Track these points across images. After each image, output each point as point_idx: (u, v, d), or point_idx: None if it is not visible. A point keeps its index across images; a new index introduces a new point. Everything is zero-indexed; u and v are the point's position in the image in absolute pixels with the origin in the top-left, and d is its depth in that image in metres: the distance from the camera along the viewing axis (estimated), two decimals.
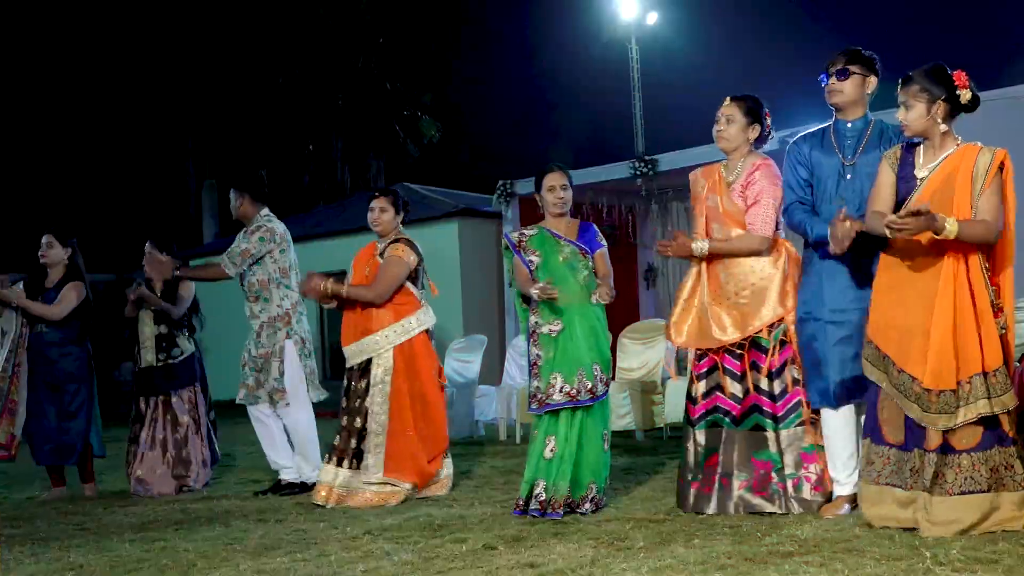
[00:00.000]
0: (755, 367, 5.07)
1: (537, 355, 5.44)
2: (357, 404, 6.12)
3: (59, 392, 6.93)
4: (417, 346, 6.20)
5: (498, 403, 9.79)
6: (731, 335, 5.06)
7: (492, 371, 11.72)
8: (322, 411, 7.03)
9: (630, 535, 4.63)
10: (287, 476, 6.74)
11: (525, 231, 5.69)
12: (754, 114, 5.18)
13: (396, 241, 6.29)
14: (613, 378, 10.11)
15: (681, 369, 10.06)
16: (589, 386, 5.32)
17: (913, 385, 4.30)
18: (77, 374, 6.99)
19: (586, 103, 32.30)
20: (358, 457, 6.05)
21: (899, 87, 4.46)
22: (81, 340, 7.04)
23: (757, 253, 5.08)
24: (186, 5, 27.65)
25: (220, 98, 28.33)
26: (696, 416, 5.17)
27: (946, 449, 4.25)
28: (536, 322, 5.47)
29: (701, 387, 5.17)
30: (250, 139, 28.50)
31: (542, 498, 5.24)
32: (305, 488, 6.54)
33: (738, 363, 5.10)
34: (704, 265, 5.19)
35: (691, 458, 5.17)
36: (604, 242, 5.69)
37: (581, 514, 5.21)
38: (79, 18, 27.50)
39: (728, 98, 5.21)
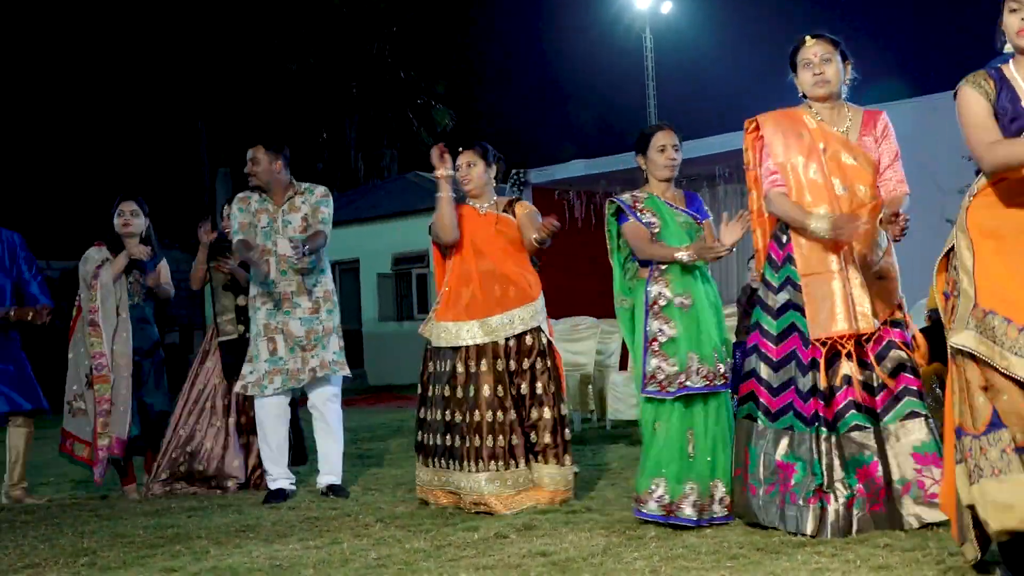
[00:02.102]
0: (891, 346, 4.35)
1: (660, 330, 4.71)
2: (548, 387, 5.33)
3: (154, 370, 6.56)
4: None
5: None
6: (882, 316, 4.33)
7: None
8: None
9: (642, 524, 4.63)
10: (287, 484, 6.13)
11: (637, 194, 5.01)
12: (844, 52, 4.48)
13: (513, 200, 5.63)
14: (624, 367, 10.11)
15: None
16: (722, 369, 4.72)
17: None
18: (160, 353, 6.66)
19: (600, 92, 32.31)
20: (561, 450, 5.29)
21: None
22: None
23: None
24: None
25: (234, 86, 28.36)
26: (833, 416, 4.30)
27: None
28: (660, 292, 4.76)
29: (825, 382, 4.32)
30: (264, 127, 28.52)
31: (695, 501, 4.58)
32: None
33: (873, 347, 4.34)
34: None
35: (812, 469, 4.28)
36: (709, 213, 5.18)
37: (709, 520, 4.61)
38: (93, 6, 27.54)
39: (808, 37, 4.45)
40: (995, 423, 3.37)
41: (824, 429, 4.28)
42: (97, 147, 28.27)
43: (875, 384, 4.35)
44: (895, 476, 4.27)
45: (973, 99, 3.57)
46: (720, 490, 4.64)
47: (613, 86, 29.92)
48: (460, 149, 5.62)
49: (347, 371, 6.12)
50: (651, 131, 5.07)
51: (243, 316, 6.50)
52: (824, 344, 4.30)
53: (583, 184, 13.16)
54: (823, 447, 4.28)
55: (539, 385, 5.31)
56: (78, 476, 7.01)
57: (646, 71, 21.40)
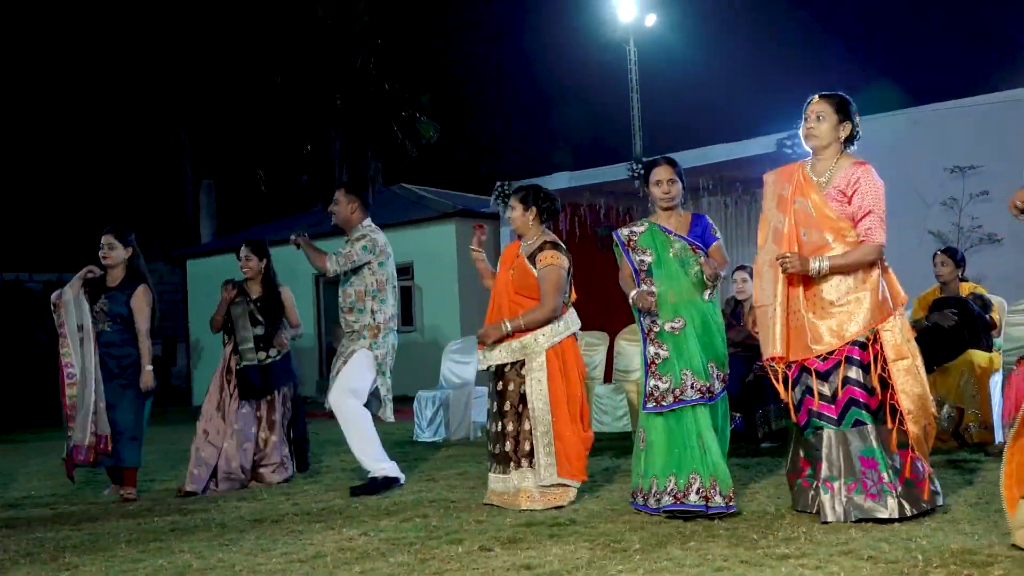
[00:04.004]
0: (847, 361, 4.79)
1: (657, 353, 5.35)
2: (517, 408, 5.80)
3: (123, 389, 6.75)
4: (567, 347, 5.92)
5: None
6: (828, 345, 4.81)
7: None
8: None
9: (626, 537, 4.63)
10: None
11: (635, 228, 5.57)
12: (845, 111, 4.91)
13: (545, 246, 5.91)
14: (608, 379, 10.12)
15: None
16: (713, 384, 5.26)
17: None
18: (135, 373, 6.78)
19: (585, 104, 32.34)
20: (529, 460, 5.73)
21: None
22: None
23: (872, 264, 4.81)
24: (184, 5, 27.66)
25: (218, 98, 28.34)
26: (802, 423, 4.96)
27: None
28: (654, 320, 5.39)
29: (796, 395, 4.94)
30: (248, 139, 28.50)
31: (698, 489, 5.07)
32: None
33: (824, 364, 4.84)
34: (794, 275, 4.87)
35: (798, 462, 5.10)
36: (719, 235, 5.58)
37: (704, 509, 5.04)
38: (77, 17, 27.49)
39: (816, 96, 4.95)
40: None
41: (827, 425, 4.82)
42: (80, 159, 28.20)
43: (869, 387, 4.78)
44: (845, 474, 4.75)
45: None
46: (697, 481, 5.09)
47: (598, 98, 29.99)
48: (508, 194, 6.02)
49: (327, 406, 6.73)
50: (651, 165, 5.60)
51: (262, 344, 7.31)
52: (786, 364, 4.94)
53: (568, 196, 13.11)
54: (820, 441, 4.84)
55: (507, 404, 5.85)
56: (61, 490, 6.98)
57: (630, 83, 21.44)
